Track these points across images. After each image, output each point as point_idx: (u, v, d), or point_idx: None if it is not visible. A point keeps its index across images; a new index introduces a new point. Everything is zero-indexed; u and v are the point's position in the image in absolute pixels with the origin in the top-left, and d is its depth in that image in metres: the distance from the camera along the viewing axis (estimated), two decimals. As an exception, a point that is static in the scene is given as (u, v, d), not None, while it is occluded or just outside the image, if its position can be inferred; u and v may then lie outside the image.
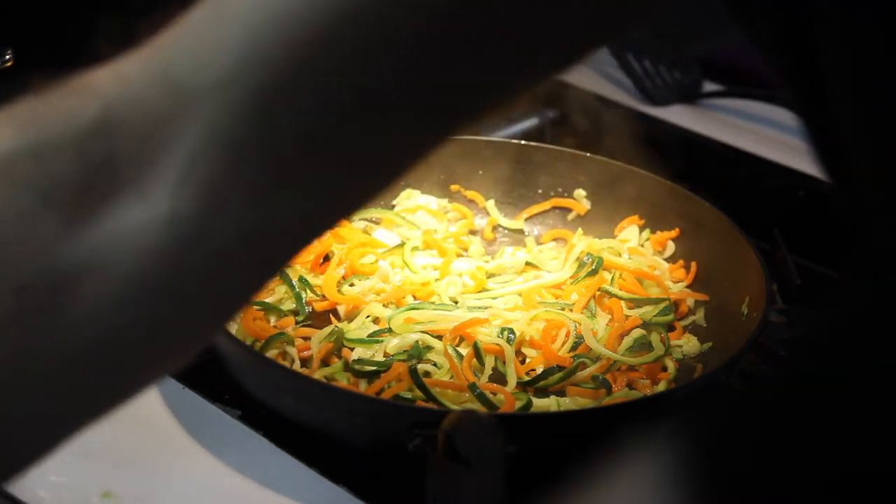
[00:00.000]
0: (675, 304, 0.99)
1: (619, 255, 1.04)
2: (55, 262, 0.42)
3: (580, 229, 1.08)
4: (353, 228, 1.05)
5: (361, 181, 0.47)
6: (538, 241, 1.09)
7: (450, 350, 0.90)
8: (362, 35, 0.43)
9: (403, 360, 0.89)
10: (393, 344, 0.91)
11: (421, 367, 0.89)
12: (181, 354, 0.48)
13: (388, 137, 0.46)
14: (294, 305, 0.96)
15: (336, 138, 0.45)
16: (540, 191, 1.11)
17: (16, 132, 0.43)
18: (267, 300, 0.96)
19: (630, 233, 1.07)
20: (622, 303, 0.98)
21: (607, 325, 0.96)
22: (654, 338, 0.95)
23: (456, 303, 0.98)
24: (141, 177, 0.43)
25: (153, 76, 0.44)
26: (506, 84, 0.48)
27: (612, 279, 1.00)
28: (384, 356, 0.91)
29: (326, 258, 1.01)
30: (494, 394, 0.88)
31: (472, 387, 0.87)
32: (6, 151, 0.42)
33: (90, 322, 0.43)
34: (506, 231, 1.11)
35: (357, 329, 0.93)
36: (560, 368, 0.90)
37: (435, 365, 0.90)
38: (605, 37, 0.50)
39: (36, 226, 0.42)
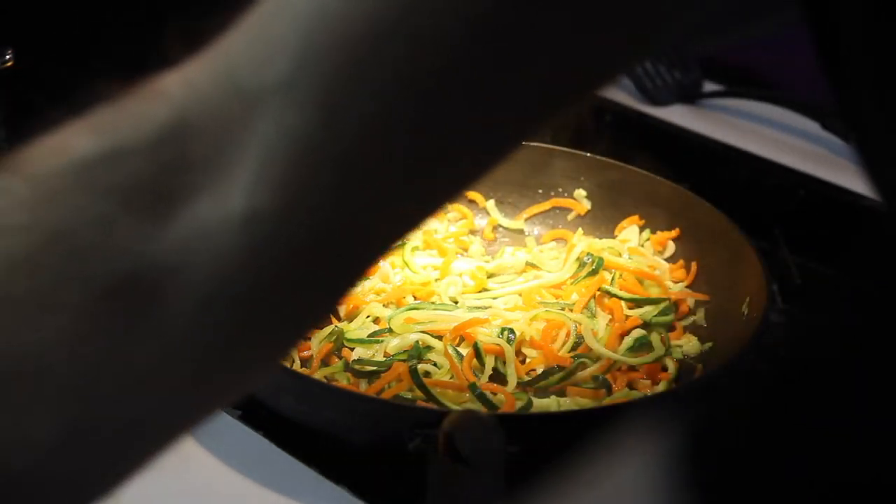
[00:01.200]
0: (675, 304, 0.99)
1: (620, 255, 1.04)
2: (137, 265, 0.42)
3: (580, 229, 1.08)
4: (353, 228, 1.05)
5: (438, 178, 0.46)
6: (538, 241, 1.09)
7: (450, 350, 0.90)
8: (418, 28, 0.42)
9: (403, 360, 0.89)
10: (393, 344, 0.91)
11: (421, 367, 0.89)
12: (270, 356, 0.47)
13: (462, 132, 0.45)
14: (294, 305, 0.96)
15: (402, 135, 0.44)
16: (540, 191, 1.11)
17: (91, 139, 0.43)
18: (267, 300, 0.95)
19: (630, 233, 1.07)
20: (622, 303, 0.98)
21: (607, 325, 0.96)
22: (655, 338, 0.94)
23: (456, 303, 0.98)
24: (215, 178, 0.43)
25: (218, 78, 0.43)
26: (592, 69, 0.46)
27: (613, 279, 1.00)
28: (384, 356, 0.91)
29: (326, 258, 1.01)
30: (494, 394, 0.88)
31: (473, 387, 0.87)
32: (83, 158, 0.42)
33: (175, 324, 0.43)
34: (506, 231, 1.11)
35: (357, 329, 0.93)
36: (560, 368, 0.90)
37: (435, 365, 0.90)
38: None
39: (116, 230, 0.42)
